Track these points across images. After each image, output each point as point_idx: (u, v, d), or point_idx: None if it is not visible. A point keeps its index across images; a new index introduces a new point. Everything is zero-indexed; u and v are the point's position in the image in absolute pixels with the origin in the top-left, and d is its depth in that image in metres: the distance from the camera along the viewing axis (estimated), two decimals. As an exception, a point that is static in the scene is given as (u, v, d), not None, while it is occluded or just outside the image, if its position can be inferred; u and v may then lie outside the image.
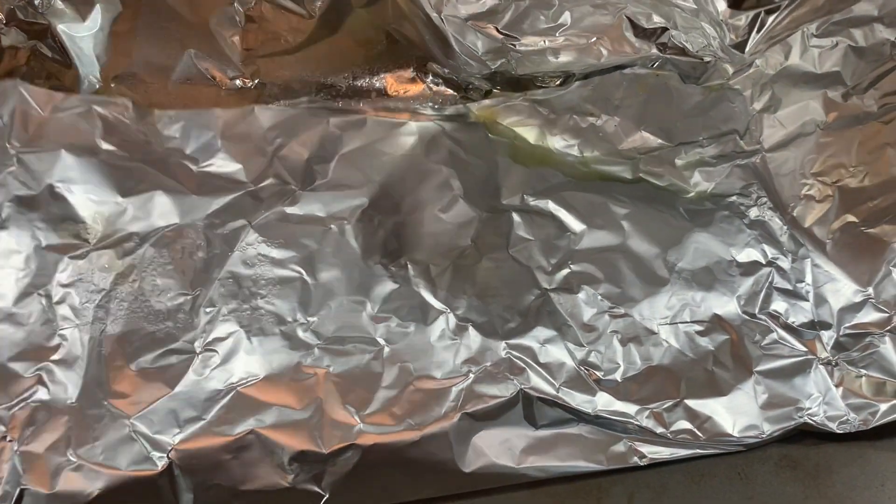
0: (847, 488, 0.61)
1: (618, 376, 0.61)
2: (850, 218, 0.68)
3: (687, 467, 0.61)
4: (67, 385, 0.55)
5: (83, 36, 0.68)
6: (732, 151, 0.70)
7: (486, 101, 0.71)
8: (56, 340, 0.57)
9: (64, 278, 0.59)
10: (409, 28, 0.71)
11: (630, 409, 0.59)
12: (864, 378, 0.63)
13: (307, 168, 0.65)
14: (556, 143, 0.69)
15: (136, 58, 0.68)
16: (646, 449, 0.59)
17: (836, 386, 0.63)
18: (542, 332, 0.61)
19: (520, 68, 0.70)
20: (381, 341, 0.59)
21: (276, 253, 0.61)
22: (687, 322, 0.63)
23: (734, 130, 0.72)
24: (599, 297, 0.63)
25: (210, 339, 0.58)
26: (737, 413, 0.61)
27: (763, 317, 0.64)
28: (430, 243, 0.63)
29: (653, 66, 0.71)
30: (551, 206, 0.65)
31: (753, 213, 0.68)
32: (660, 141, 0.70)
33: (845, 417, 0.62)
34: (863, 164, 0.70)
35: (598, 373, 0.60)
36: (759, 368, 0.62)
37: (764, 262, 0.66)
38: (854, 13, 0.71)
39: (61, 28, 0.67)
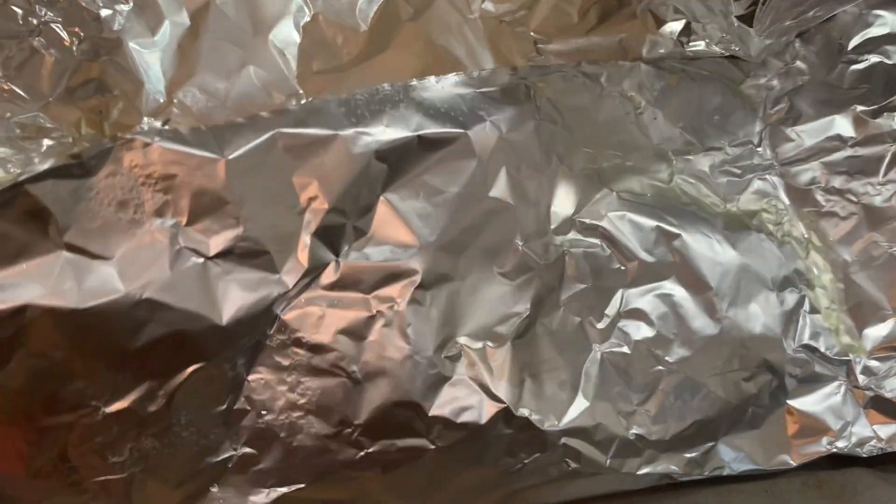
0: (872, 508, 0.63)
1: (666, 436, 0.61)
2: (877, 237, 0.68)
3: (713, 481, 0.62)
4: None
5: (152, 51, 0.71)
6: (752, 162, 0.70)
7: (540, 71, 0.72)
8: None
9: None
10: (455, 43, 0.73)
11: (672, 465, 0.61)
12: (893, 401, 0.64)
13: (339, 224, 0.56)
14: None
15: (198, 74, 0.71)
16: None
17: (865, 408, 0.64)
18: (596, 406, 0.60)
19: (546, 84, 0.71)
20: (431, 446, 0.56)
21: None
22: (736, 370, 0.63)
23: (749, 141, 0.71)
24: (651, 354, 0.62)
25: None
26: (768, 445, 0.62)
27: (801, 350, 0.64)
28: (485, 313, 0.57)
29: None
30: (602, 229, 0.63)
31: (780, 232, 0.68)
32: (691, 141, 0.69)
33: (873, 441, 0.63)
34: (890, 182, 0.70)
35: (646, 436, 0.61)
36: (791, 401, 0.63)
37: (797, 290, 0.66)
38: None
39: (132, 44, 0.70)
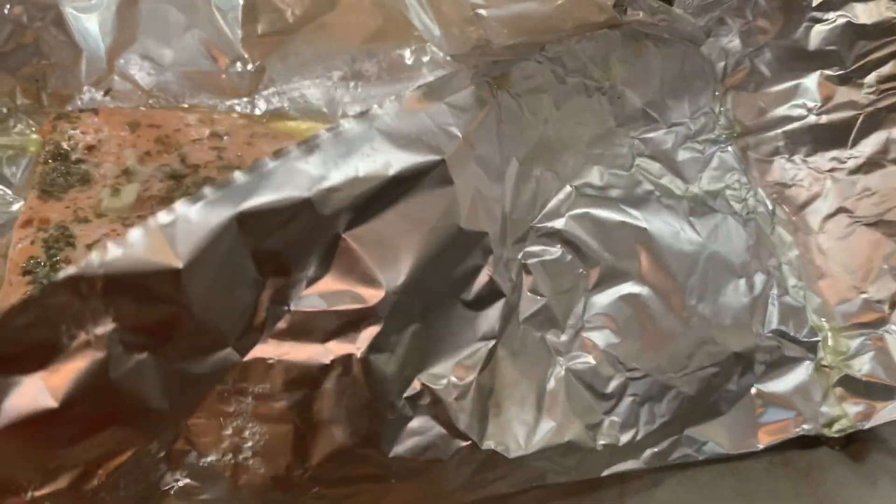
0: (838, 486, 0.61)
1: (634, 440, 0.58)
2: (844, 210, 0.65)
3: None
4: None
5: (90, 16, 0.68)
6: (713, 136, 0.66)
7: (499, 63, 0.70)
8: None
9: None
10: (402, 4, 0.70)
11: (637, 462, 0.58)
12: (862, 379, 0.62)
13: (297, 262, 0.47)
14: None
15: (140, 40, 0.69)
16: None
17: (834, 387, 0.62)
18: (563, 425, 0.55)
19: (497, 38, 0.68)
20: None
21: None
22: (705, 367, 0.59)
23: (711, 110, 0.67)
24: (617, 361, 0.57)
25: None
26: (734, 430, 0.60)
27: (771, 336, 0.62)
28: (450, 349, 0.51)
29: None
30: (562, 234, 0.57)
31: (745, 209, 0.65)
32: (654, 117, 0.64)
33: (842, 421, 0.61)
34: (858, 153, 0.65)
35: (614, 444, 0.57)
36: (759, 385, 0.61)
37: (765, 272, 0.63)
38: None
39: (69, 8, 0.67)
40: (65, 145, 0.65)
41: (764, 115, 0.66)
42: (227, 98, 0.72)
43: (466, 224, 0.50)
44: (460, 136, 0.51)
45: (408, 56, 0.73)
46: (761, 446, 0.60)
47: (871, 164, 0.64)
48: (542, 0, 0.63)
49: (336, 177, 0.45)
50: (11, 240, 0.60)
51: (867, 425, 0.61)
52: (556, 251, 0.56)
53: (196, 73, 0.70)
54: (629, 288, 0.58)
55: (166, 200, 0.63)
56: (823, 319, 0.63)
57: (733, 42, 0.65)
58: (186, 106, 0.71)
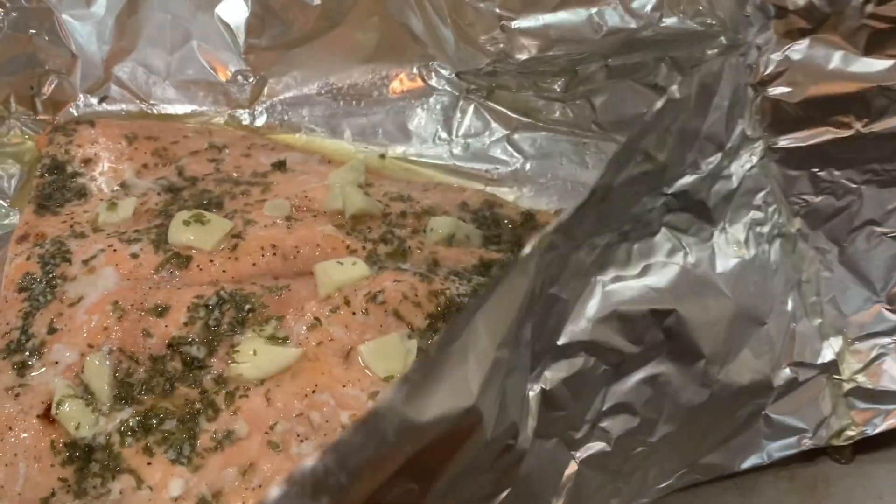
0: (844, 499, 0.61)
1: (644, 485, 0.57)
2: (874, 222, 0.64)
3: (682, 476, 0.60)
4: None
5: (87, 23, 0.67)
6: (746, 152, 0.64)
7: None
8: None
9: None
10: (414, 19, 0.69)
11: (646, 497, 0.58)
12: (872, 388, 0.62)
13: None
14: None
15: (139, 48, 0.68)
16: None
17: (845, 396, 0.62)
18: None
19: (517, 52, 0.67)
20: None
21: None
22: (723, 424, 0.58)
23: (743, 120, 0.64)
24: (634, 438, 0.55)
25: None
26: (740, 450, 0.59)
27: (787, 368, 0.61)
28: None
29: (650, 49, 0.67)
30: (584, 344, 0.53)
31: (773, 229, 0.63)
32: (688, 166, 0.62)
33: (849, 430, 0.61)
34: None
35: (625, 495, 0.56)
36: (770, 409, 0.61)
37: (785, 303, 0.62)
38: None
39: (65, 16, 0.66)
40: (61, 158, 0.64)
41: (798, 122, 0.62)
42: (227, 109, 0.71)
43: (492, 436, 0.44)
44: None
45: (412, 73, 0.73)
46: (766, 461, 0.60)
47: None
48: (573, 10, 0.63)
49: None
50: (7, 255, 0.59)
51: (875, 431, 0.60)
52: (578, 362, 0.52)
53: (195, 84, 0.69)
54: (651, 370, 0.55)
55: (163, 214, 0.62)
56: (839, 332, 0.63)
57: (766, 33, 0.60)
58: (184, 115, 0.70)
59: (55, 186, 0.63)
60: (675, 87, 0.53)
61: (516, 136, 0.73)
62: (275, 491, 0.31)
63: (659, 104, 0.51)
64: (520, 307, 0.43)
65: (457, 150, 0.74)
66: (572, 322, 0.52)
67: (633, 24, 0.65)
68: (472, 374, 0.39)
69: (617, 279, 0.53)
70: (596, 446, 0.54)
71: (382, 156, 0.74)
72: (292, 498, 0.31)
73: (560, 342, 0.51)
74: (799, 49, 0.58)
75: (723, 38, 0.65)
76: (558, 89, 0.72)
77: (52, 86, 0.69)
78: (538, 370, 0.50)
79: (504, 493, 0.48)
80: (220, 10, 0.68)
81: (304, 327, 0.56)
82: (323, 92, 0.72)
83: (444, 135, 0.74)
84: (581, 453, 0.53)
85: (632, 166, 0.50)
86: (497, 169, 0.73)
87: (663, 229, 0.57)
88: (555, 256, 0.47)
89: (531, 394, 0.50)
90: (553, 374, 0.51)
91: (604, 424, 0.54)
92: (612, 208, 0.51)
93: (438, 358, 0.37)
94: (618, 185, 0.50)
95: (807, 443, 0.60)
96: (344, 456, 0.33)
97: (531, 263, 0.43)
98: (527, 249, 0.42)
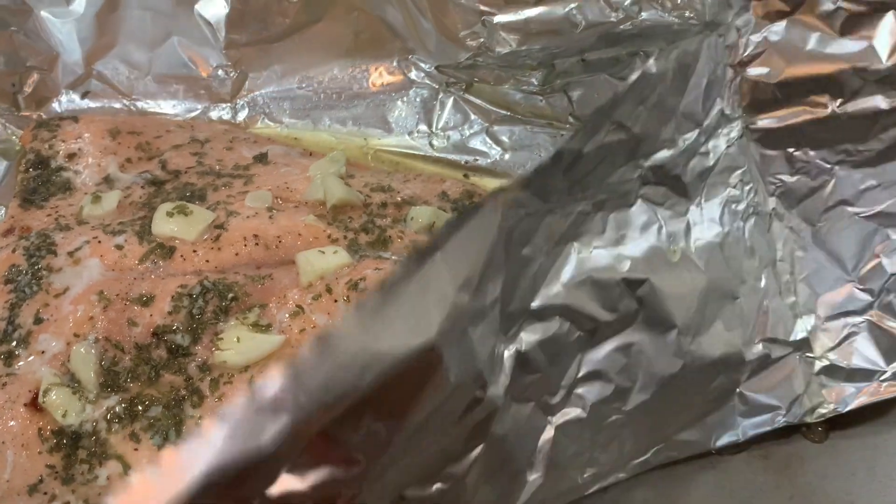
0: (818, 477, 0.62)
1: (620, 458, 0.58)
2: (847, 202, 0.64)
3: (659, 456, 0.61)
4: None
5: (66, 21, 0.67)
6: (724, 130, 0.64)
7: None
8: None
9: None
10: (394, 13, 0.70)
11: (623, 472, 0.59)
12: (844, 366, 0.63)
13: None
14: None
15: (119, 45, 0.68)
16: None
17: (816, 375, 0.63)
18: (549, 475, 0.54)
19: (497, 46, 0.69)
20: None
21: None
22: (696, 395, 0.59)
23: (721, 100, 0.62)
24: (609, 405, 0.56)
25: None
26: (718, 428, 0.61)
27: (760, 343, 0.62)
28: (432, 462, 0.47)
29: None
30: (559, 307, 0.53)
31: (748, 208, 0.63)
32: (665, 140, 0.59)
33: (821, 408, 0.62)
34: (873, 146, 0.61)
35: (598, 471, 0.57)
36: (744, 386, 0.62)
37: (759, 278, 0.63)
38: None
39: (44, 13, 0.67)
40: (45, 153, 0.65)
41: (777, 104, 0.63)
42: (209, 103, 0.72)
43: (456, 381, 0.44)
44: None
45: (392, 67, 0.74)
46: (742, 439, 0.61)
47: (883, 156, 0.62)
48: (553, 4, 0.64)
49: None
50: (-7, 248, 0.59)
51: (847, 408, 0.61)
52: (553, 326, 0.53)
53: (177, 79, 0.70)
54: (625, 338, 0.56)
55: (147, 207, 0.62)
56: (812, 311, 0.64)
57: (746, 15, 0.61)
58: (166, 112, 0.71)
59: (40, 181, 0.64)
60: (651, 62, 0.54)
61: (495, 129, 0.75)
62: (233, 405, 0.31)
63: (634, 76, 0.53)
64: (483, 256, 0.43)
65: (437, 142, 0.75)
66: (546, 286, 0.53)
67: (612, 18, 0.66)
68: (432, 312, 0.39)
69: (592, 247, 0.55)
70: (572, 412, 0.55)
71: (363, 148, 0.75)
72: (251, 412, 0.31)
73: (534, 305, 0.52)
74: (777, 31, 0.59)
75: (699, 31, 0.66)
76: (536, 83, 0.73)
77: (34, 82, 0.69)
78: (514, 331, 0.51)
79: (477, 450, 0.49)
80: (199, 6, 0.68)
81: (287, 315, 0.56)
82: (304, 85, 0.72)
83: (423, 127, 0.75)
84: (557, 418, 0.55)
85: (603, 134, 0.51)
86: (476, 160, 0.74)
87: (639, 201, 0.58)
88: (524, 216, 0.47)
89: (506, 353, 0.51)
90: (528, 336, 0.52)
91: (579, 391, 0.55)
92: (586, 176, 0.52)
93: (396, 289, 0.37)
94: (589, 152, 0.51)
95: (780, 420, 0.61)
96: (300, 373, 0.32)
97: (494, 215, 0.43)
98: (488, 200, 0.42)
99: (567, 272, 0.53)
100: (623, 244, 0.56)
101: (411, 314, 0.38)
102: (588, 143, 0.50)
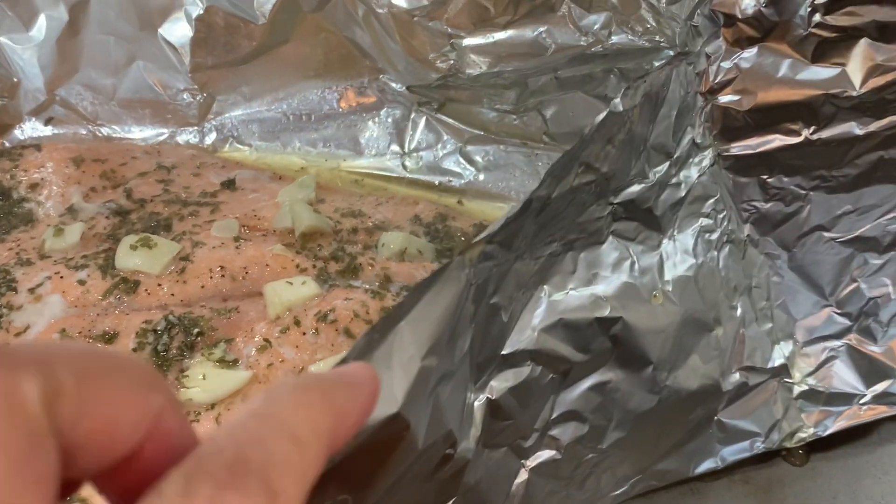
0: (799, 501, 0.61)
1: (597, 493, 0.56)
2: (823, 227, 0.64)
3: (640, 483, 0.61)
4: None
5: (27, 47, 0.66)
6: (695, 159, 0.64)
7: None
8: None
9: None
10: (361, 34, 0.69)
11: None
12: (822, 390, 0.63)
13: None
14: None
15: (82, 70, 0.67)
16: None
17: (795, 399, 0.62)
18: None
19: (468, 68, 0.68)
20: None
21: None
22: (673, 430, 0.59)
23: (693, 129, 0.64)
24: (584, 445, 0.55)
25: None
26: (696, 457, 0.60)
27: (737, 373, 0.62)
28: None
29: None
30: (529, 353, 0.52)
31: (722, 236, 0.63)
32: (640, 171, 0.59)
33: (800, 432, 0.62)
34: (847, 172, 0.61)
35: None
36: (721, 414, 0.61)
37: (734, 309, 0.62)
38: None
39: (3, 39, 0.65)
40: (7, 184, 0.63)
41: (750, 131, 0.63)
42: (176, 127, 0.71)
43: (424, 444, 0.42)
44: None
45: (362, 87, 0.73)
46: (722, 466, 0.60)
47: (858, 182, 0.61)
48: (522, 29, 0.63)
49: None
50: (-49, 285, 0.58)
51: (827, 432, 0.61)
52: (524, 371, 0.52)
53: (142, 103, 0.68)
54: (599, 377, 0.55)
55: (111, 238, 0.61)
56: (790, 336, 0.64)
57: (716, 41, 0.60)
58: (133, 137, 0.70)
59: (1, 213, 0.63)
60: (617, 100, 0.53)
61: (469, 149, 0.73)
62: None
63: (600, 117, 0.52)
64: (451, 316, 0.42)
65: (409, 163, 0.74)
66: (517, 332, 0.52)
67: (582, 42, 0.65)
68: (396, 381, 0.38)
69: (562, 288, 0.53)
70: (546, 454, 0.54)
71: (334, 170, 0.74)
72: None
73: (504, 352, 0.51)
74: (748, 57, 0.58)
75: (670, 52, 0.65)
76: (509, 101, 0.72)
77: (-5, 109, 0.68)
78: (483, 380, 0.50)
79: (450, 503, 0.48)
80: (163, 30, 0.67)
81: (254, 349, 0.55)
82: (272, 107, 0.71)
83: (396, 148, 0.74)
84: (531, 461, 0.54)
85: (572, 177, 0.50)
86: (450, 181, 0.73)
87: (610, 238, 0.57)
88: (492, 266, 0.46)
89: (476, 403, 0.49)
90: (499, 384, 0.51)
91: (553, 432, 0.54)
92: (555, 218, 0.52)
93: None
94: (558, 196, 0.50)
95: (759, 446, 0.61)
96: None
97: (462, 272, 0.43)
98: (455, 259, 0.41)
99: (538, 316, 0.52)
100: (595, 283, 0.55)
101: None
102: (556, 188, 0.49)
